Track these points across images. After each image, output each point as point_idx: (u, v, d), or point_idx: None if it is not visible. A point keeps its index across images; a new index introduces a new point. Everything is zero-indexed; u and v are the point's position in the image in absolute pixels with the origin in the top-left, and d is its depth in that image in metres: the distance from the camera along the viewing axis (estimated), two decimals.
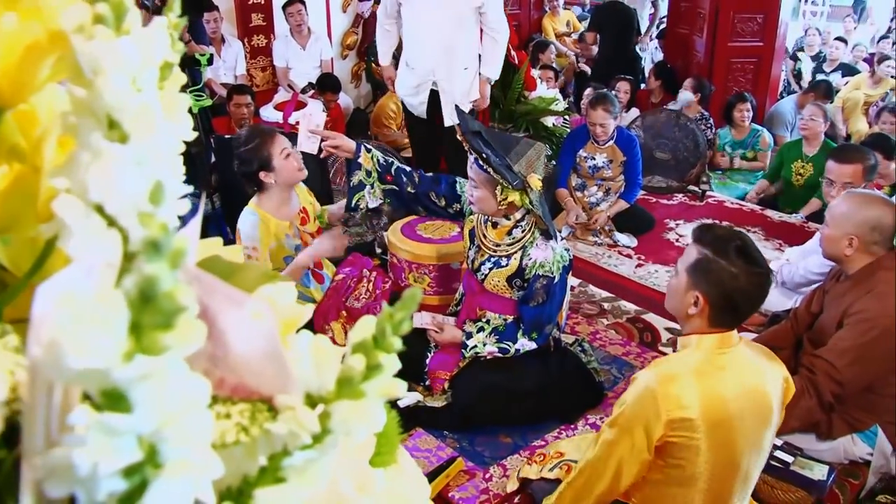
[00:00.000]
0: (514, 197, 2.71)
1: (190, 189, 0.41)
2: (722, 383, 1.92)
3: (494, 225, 2.88)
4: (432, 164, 4.59)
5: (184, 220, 0.42)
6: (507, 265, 2.85)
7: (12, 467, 0.38)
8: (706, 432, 1.89)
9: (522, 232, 2.84)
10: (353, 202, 2.97)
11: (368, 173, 2.95)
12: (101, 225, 0.37)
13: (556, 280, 2.80)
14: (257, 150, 3.03)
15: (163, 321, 0.29)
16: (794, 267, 3.48)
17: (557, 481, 2.37)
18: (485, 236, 2.91)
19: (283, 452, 0.39)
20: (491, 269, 2.88)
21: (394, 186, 2.97)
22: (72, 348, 0.28)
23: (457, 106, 3.26)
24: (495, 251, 2.87)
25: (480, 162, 2.67)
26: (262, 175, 3.04)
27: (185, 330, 0.29)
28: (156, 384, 0.29)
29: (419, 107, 4.53)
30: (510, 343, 2.87)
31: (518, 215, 2.83)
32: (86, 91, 0.37)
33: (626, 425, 1.94)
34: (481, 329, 2.92)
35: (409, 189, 2.97)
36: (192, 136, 0.46)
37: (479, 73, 4.42)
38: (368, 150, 2.95)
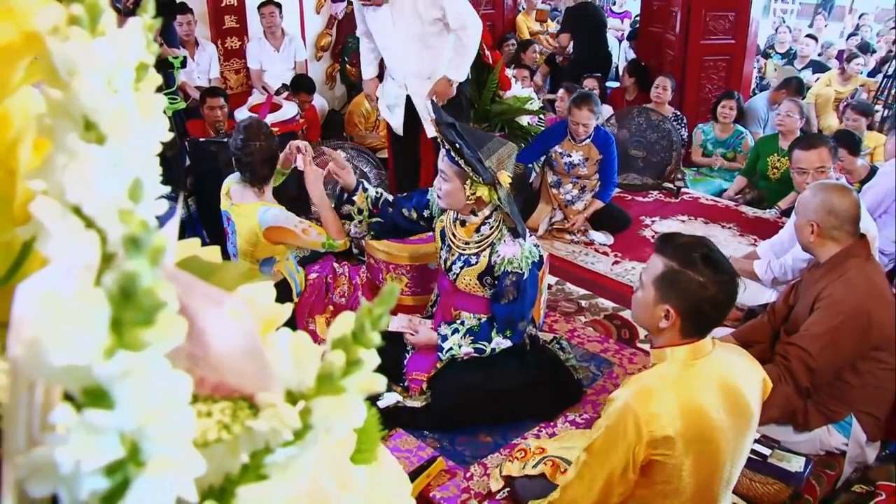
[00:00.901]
0: (483, 192, 2.74)
1: (167, 189, 0.41)
2: (701, 394, 1.90)
3: (463, 223, 2.91)
4: (412, 179, 4.59)
5: (161, 220, 0.42)
6: (476, 263, 2.87)
7: None
8: (687, 448, 1.87)
9: (490, 229, 2.86)
10: (342, 200, 3.07)
11: (360, 210, 3.05)
12: (79, 226, 0.37)
13: (525, 276, 2.82)
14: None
15: (143, 317, 0.29)
16: (784, 261, 3.51)
17: (541, 477, 2.38)
18: (454, 235, 2.93)
19: (264, 450, 0.39)
20: (462, 267, 2.90)
21: (378, 218, 3.06)
22: (53, 345, 0.28)
23: (432, 100, 3.27)
24: (465, 249, 2.90)
25: (452, 154, 2.69)
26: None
27: (165, 326, 0.29)
28: (137, 380, 0.29)
29: (396, 124, 4.50)
30: (485, 343, 2.88)
31: (486, 212, 2.85)
32: (61, 92, 0.37)
33: (606, 447, 1.90)
34: (456, 331, 2.93)
35: (390, 218, 3.07)
36: (168, 136, 0.46)
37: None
38: (365, 190, 3.05)
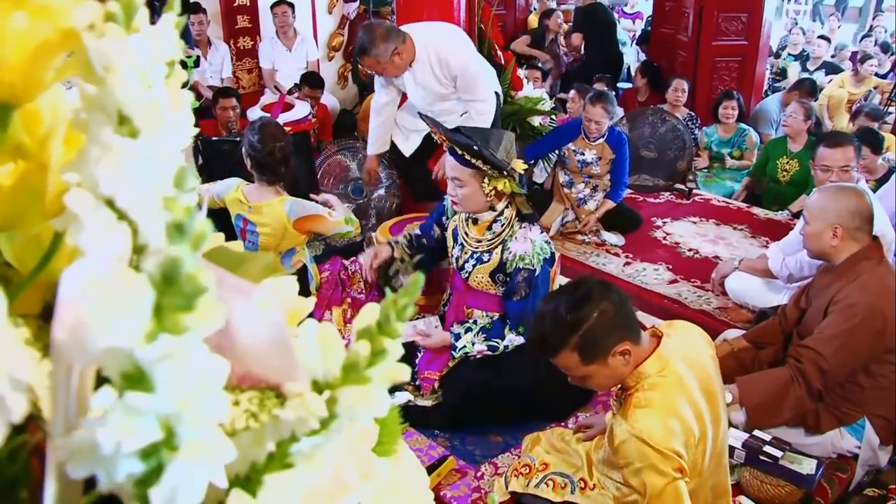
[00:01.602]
0: (501, 184, 2.79)
1: (198, 183, 0.42)
2: (685, 394, 1.89)
3: (475, 221, 2.95)
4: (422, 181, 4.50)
5: None
6: (488, 260, 2.90)
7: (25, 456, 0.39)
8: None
9: (502, 227, 2.91)
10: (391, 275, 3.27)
11: (402, 260, 3.21)
12: (112, 218, 0.38)
13: (537, 273, 2.85)
14: None
15: (184, 302, 0.30)
16: (801, 256, 3.49)
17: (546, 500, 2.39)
18: (467, 234, 2.97)
19: (290, 438, 0.40)
20: (474, 265, 2.93)
21: (419, 255, 3.22)
22: (98, 328, 0.29)
23: (424, 115, 3.22)
24: (477, 247, 2.94)
25: (467, 157, 2.72)
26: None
27: (205, 311, 0.30)
28: (177, 364, 0.30)
29: (408, 148, 4.36)
30: (498, 340, 2.90)
31: (499, 207, 2.89)
32: (97, 88, 0.38)
33: (647, 481, 1.82)
34: (469, 329, 2.95)
35: (427, 249, 3.24)
36: (195, 131, 0.47)
37: None
38: (396, 242, 3.24)
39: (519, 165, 2.81)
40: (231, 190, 3.21)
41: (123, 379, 0.30)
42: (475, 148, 2.70)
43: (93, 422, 0.30)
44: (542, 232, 2.95)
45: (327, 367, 0.40)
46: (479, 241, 2.93)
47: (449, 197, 2.94)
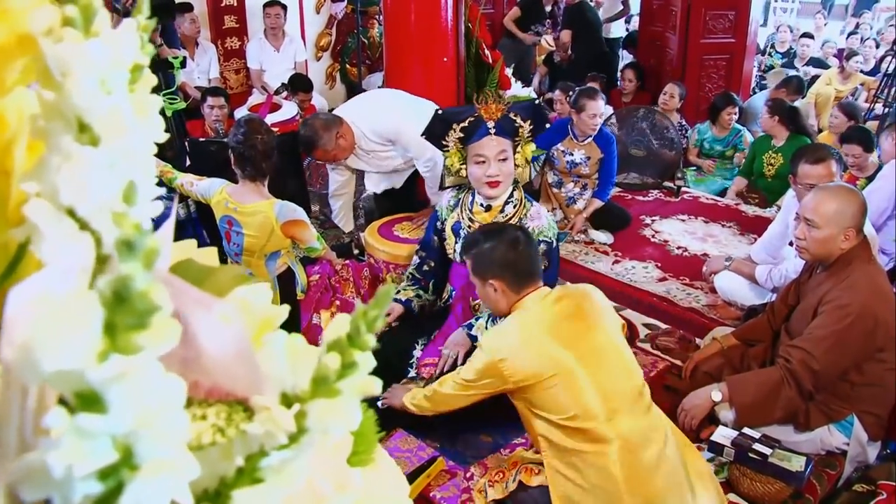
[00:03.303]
0: (527, 150, 2.98)
1: (162, 190, 0.41)
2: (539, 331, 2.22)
3: (487, 208, 2.99)
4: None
5: (156, 222, 0.42)
6: None
7: None
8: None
9: (514, 207, 2.97)
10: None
11: (419, 296, 3.20)
12: (74, 228, 0.37)
13: (554, 245, 2.96)
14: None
15: (137, 321, 0.29)
16: (784, 271, 3.52)
17: (537, 488, 2.37)
18: (475, 223, 2.99)
19: (259, 453, 0.39)
20: None
21: (432, 280, 3.24)
22: (45, 349, 0.28)
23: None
24: None
25: (511, 118, 2.90)
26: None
27: (159, 329, 0.29)
28: (131, 384, 0.29)
29: (377, 189, 4.40)
30: None
31: (510, 188, 2.98)
32: (55, 94, 0.37)
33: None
34: (479, 317, 2.93)
35: (432, 270, 3.25)
36: (164, 137, 0.46)
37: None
38: (405, 290, 3.20)
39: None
40: (216, 192, 3.22)
41: (77, 398, 0.29)
42: (513, 113, 2.91)
43: (46, 443, 0.29)
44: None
45: (296, 380, 0.39)
46: None
47: (489, 179, 2.91)
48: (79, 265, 0.35)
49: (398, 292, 3.19)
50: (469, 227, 3.00)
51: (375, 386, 0.39)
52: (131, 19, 0.41)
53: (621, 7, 8.13)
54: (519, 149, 2.97)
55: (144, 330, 0.29)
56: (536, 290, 2.37)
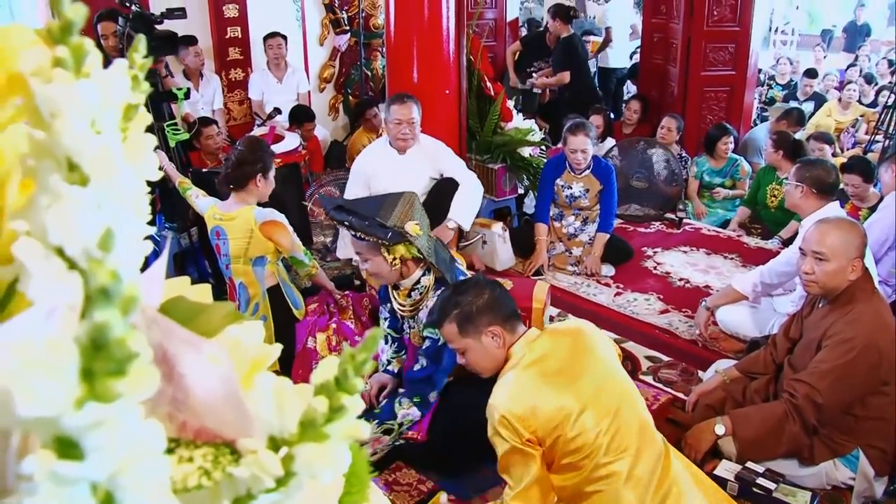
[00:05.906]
0: (400, 251, 2.79)
1: (153, 230, 0.40)
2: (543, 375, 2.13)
3: (396, 287, 2.98)
4: None
5: (148, 260, 0.42)
6: (415, 326, 2.98)
7: None
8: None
9: (420, 294, 2.92)
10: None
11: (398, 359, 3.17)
12: (62, 267, 0.36)
13: (440, 342, 2.75)
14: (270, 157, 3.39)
15: (115, 368, 0.28)
16: (763, 273, 3.58)
17: None
18: (395, 299, 3.02)
19: (247, 496, 0.38)
20: (411, 327, 3.01)
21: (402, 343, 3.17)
22: (21, 396, 0.27)
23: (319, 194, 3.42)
24: (404, 312, 3.00)
25: (352, 232, 2.78)
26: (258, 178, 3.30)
27: (137, 376, 0.29)
28: (109, 431, 0.28)
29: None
30: (391, 421, 2.87)
31: (416, 275, 2.90)
32: (45, 134, 0.37)
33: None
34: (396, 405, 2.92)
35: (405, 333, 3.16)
36: (158, 175, 0.46)
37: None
38: (385, 369, 3.17)
39: (414, 228, 2.77)
40: (207, 210, 3.42)
41: (54, 445, 0.28)
42: (346, 223, 2.76)
43: (26, 489, 0.28)
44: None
45: (284, 423, 0.38)
46: (403, 307, 2.97)
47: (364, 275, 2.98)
48: (65, 305, 0.35)
49: (389, 363, 3.16)
50: (395, 300, 3.01)
51: (363, 430, 0.38)
52: (122, 60, 0.41)
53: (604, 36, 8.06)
54: (385, 251, 2.79)
55: (122, 377, 0.29)
56: (524, 334, 2.26)
